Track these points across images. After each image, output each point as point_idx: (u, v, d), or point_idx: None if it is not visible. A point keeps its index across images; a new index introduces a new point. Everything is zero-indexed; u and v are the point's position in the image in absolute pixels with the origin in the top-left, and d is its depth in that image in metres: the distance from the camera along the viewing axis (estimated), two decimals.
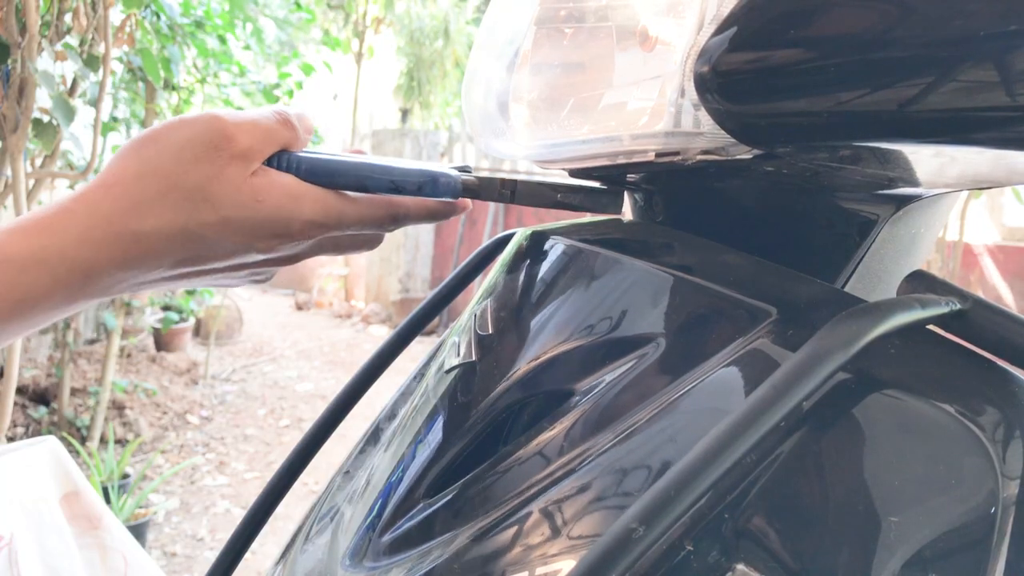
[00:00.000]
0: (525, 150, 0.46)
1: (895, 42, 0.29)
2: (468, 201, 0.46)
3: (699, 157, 0.37)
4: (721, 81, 0.33)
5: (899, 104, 0.29)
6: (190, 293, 4.17)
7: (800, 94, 0.31)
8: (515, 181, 0.45)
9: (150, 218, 0.38)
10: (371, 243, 0.47)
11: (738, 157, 0.36)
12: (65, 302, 0.39)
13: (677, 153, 0.38)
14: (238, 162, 0.39)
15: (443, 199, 0.44)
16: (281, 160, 0.41)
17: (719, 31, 0.32)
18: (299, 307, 6.99)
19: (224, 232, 0.39)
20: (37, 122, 2.03)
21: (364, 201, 0.43)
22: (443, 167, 0.44)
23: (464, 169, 0.45)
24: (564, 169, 0.48)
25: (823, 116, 0.31)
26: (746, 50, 0.32)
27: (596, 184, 0.46)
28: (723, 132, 0.34)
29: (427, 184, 0.43)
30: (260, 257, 0.42)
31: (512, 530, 0.35)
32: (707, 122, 0.35)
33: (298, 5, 3.61)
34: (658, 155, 0.39)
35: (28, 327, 0.39)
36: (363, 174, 0.42)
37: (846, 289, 0.43)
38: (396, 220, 0.44)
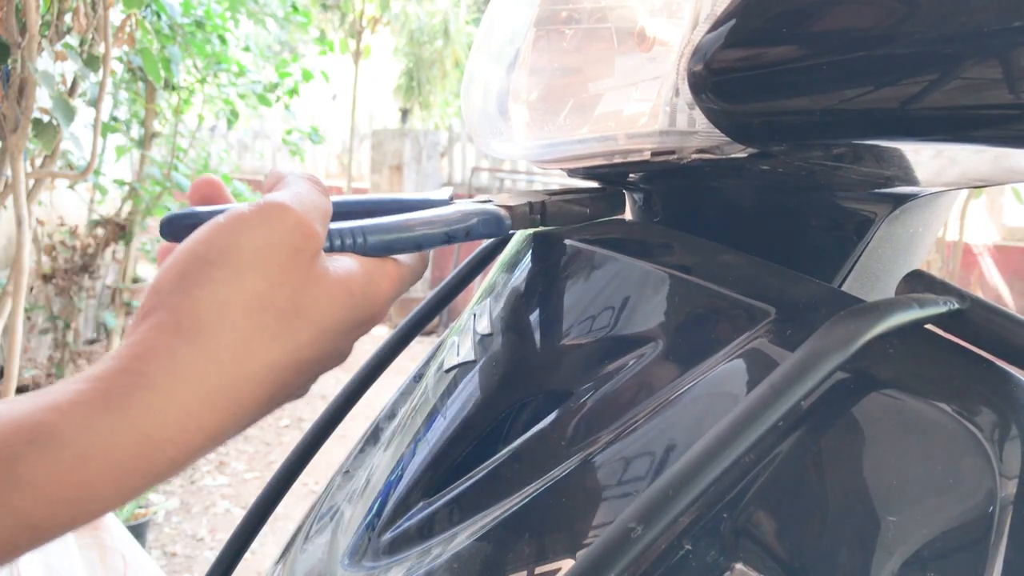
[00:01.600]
0: (523, 150, 0.46)
1: (891, 40, 0.29)
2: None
3: (694, 156, 0.37)
4: (715, 80, 0.33)
5: (900, 102, 0.29)
6: None
7: (795, 92, 0.31)
8: (543, 203, 0.44)
9: (244, 360, 0.30)
10: None
11: (733, 156, 0.36)
12: (142, 487, 0.29)
13: (672, 152, 0.38)
14: (319, 259, 0.33)
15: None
16: (343, 240, 0.36)
17: (713, 29, 0.32)
18: None
19: (326, 342, 0.33)
20: (37, 122, 2.03)
21: (419, 259, 0.40)
22: (480, 205, 0.42)
23: (486, 202, 0.43)
24: (562, 169, 0.48)
25: (818, 114, 0.31)
26: (740, 48, 0.32)
27: (591, 184, 0.46)
28: (718, 131, 0.35)
29: (474, 228, 0.41)
30: (346, 349, 0.36)
31: (511, 529, 0.35)
32: (702, 121, 0.35)
33: (295, 8, 3.61)
34: (654, 154, 0.39)
35: (83, 521, 0.29)
36: (420, 234, 0.39)
37: (843, 288, 0.43)
38: (425, 262, 0.41)
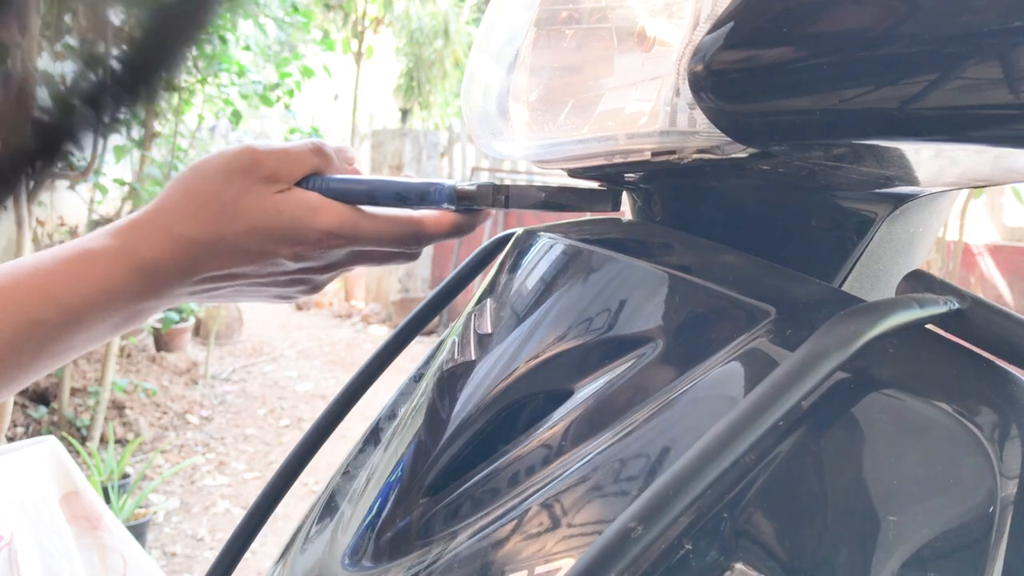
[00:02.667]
0: (524, 150, 0.46)
1: (892, 39, 0.29)
2: (492, 210, 0.50)
3: (695, 156, 0.37)
4: (715, 79, 0.33)
5: (900, 102, 0.29)
6: None
7: (795, 92, 0.31)
8: (507, 186, 0.48)
9: (195, 227, 0.46)
10: (401, 259, 0.52)
11: (733, 156, 0.36)
12: (135, 298, 0.46)
13: (673, 152, 0.38)
14: (265, 182, 0.46)
15: (468, 210, 0.49)
16: (311, 182, 0.48)
17: (713, 29, 0.32)
18: (299, 307, 6.99)
19: (252, 238, 0.46)
20: None
21: (382, 218, 0.48)
22: (440, 179, 0.49)
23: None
24: (563, 169, 0.48)
25: (819, 114, 0.31)
26: (740, 48, 0.32)
27: (587, 184, 0.46)
28: (718, 131, 0.34)
29: (429, 193, 0.48)
30: (291, 265, 0.48)
31: (511, 529, 0.35)
32: (702, 121, 0.35)
33: (295, 8, 3.61)
34: (654, 154, 0.39)
35: (104, 319, 0.45)
36: (371, 187, 0.48)
37: (843, 288, 0.43)
38: (419, 238, 0.49)
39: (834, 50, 0.30)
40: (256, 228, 0.46)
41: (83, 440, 3.09)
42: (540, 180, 5.85)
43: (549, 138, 0.44)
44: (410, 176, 0.50)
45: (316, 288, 0.52)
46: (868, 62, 0.29)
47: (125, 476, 2.76)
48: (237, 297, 0.52)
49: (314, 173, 0.48)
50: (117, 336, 0.47)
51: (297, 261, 0.47)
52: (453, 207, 0.49)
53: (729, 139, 0.35)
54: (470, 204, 0.48)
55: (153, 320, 4.41)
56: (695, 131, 0.36)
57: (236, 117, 3.35)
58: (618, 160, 0.41)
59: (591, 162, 0.43)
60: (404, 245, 0.49)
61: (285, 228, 0.46)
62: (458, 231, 0.50)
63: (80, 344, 0.46)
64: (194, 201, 0.46)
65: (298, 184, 0.47)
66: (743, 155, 0.36)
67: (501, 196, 0.48)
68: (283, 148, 0.47)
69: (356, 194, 0.48)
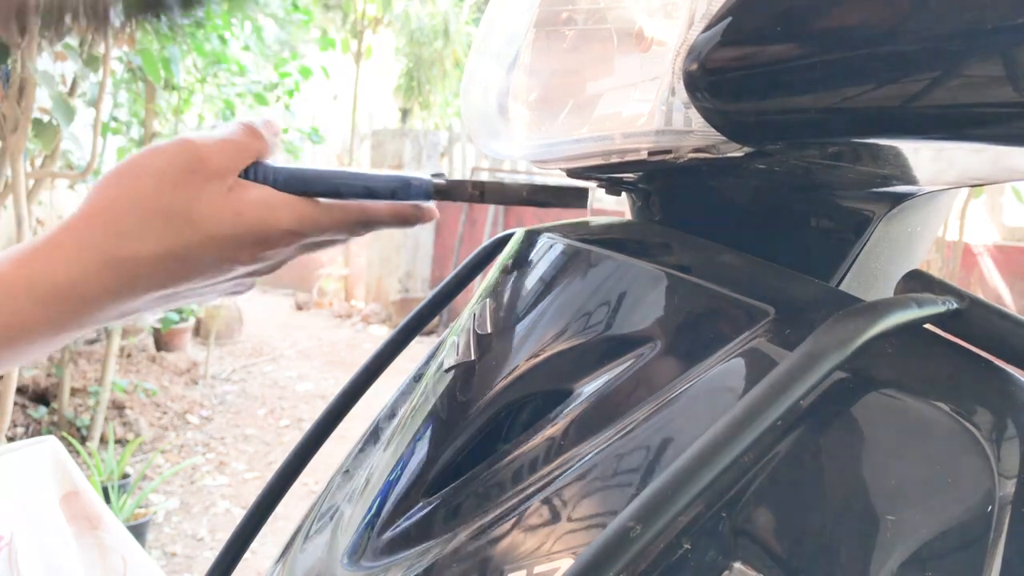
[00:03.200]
0: (523, 150, 0.46)
1: (891, 37, 0.29)
2: (436, 211, 0.48)
3: (691, 155, 0.38)
4: (709, 79, 0.33)
5: (896, 100, 0.29)
6: None
7: (789, 91, 0.31)
8: (483, 182, 0.47)
9: (136, 244, 0.40)
10: (340, 243, 0.49)
11: (729, 155, 0.37)
12: (54, 331, 0.40)
13: (669, 152, 0.38)
14: (215, 181, 0.41)
15: (414, 202, 0.46)
16: (257, 172, 0.43)
17: (708, 28, 0.32)
18: (299, 307, 6.99)
19: (209, 249, 0.41)
20: (37, 122, 2.03)
21: (337, 207, 0.44)
22: (415, 174, 0.47)
23: (438, 175, 0.48)
24: (561, 169, 0.48)
25: (813, 113, 0.31)
26: (734, 47, 0.32)
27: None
28: (714, 130, 0.35)
29: (400, 188, 0.45)
30: (244, 269, 0.44)
31: (510, 528, 0.35)
32: (698, 120, 0.35)
33: (295, 6, 3.61)
34: (650, 154, 0.39)
35: (17, 356, 0.40)
36: (338, 181, 0.44)
37: (842, 288, 0.43)
38: (367, 224, 0.46)
39: (828, 49, 0.30)
40: (214, 237, 0.41)
41: (83, 440, 3.09)
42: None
43: (547, 138, 0.44)
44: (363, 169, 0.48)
45: (253, 286, 0.49)
46: (863, 60, 0.29)
47: (125, 476, 2.76)
48: (168, 307, 0.47)
49: (256, 160, 0.44)
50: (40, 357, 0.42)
51: (254, 263, 0.43)
52: (427, 203, 0.47)
53: (725, 138, 0.35)
54: (445, 199, 0.47)
55: (153, 320, 4.41)
56: (691, 130, 0.36)
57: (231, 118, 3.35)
58: (615, 160, 0.41)
59: (589, 162, 0.43)
60: (351, 231, 0.46)
61: (246, 232, 0.41)
62: (406, 220, 0.47)
63: None
64: (131, 212, 0.40)
65: (244, 175, 0.43)
66: (739, 154, 0.36)
67: (477, 191, 0.46)
68: (224, 138, 0.42)
69: (318, 187, 0.44)
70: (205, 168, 0.41)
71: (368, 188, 0.45)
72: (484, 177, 6.04)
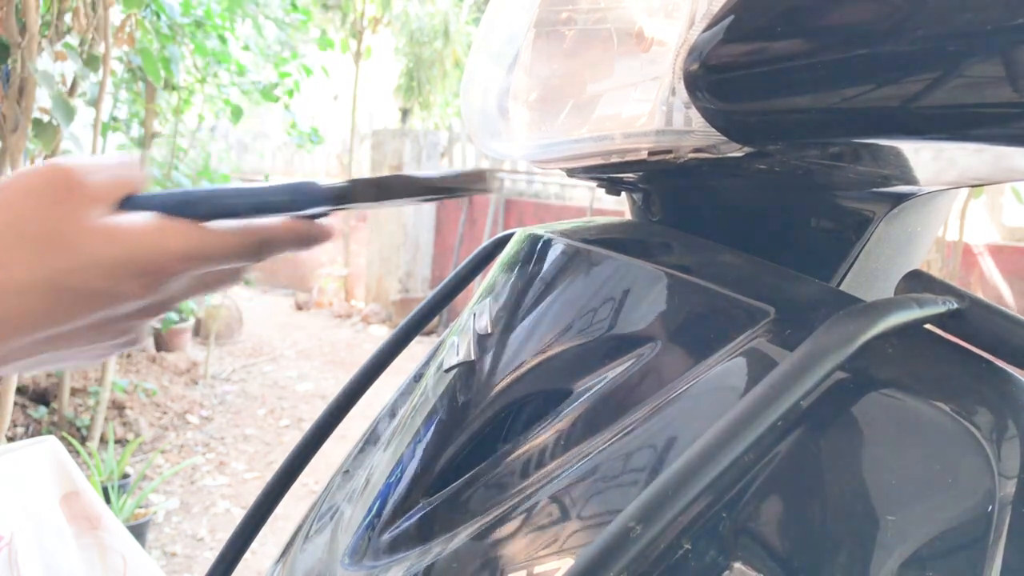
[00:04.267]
0: (523, 150, 0.46)
1: (886, 38, 0.29)
2: (333, 230, 0.43)
3: (691, 155, 0.37)
4: (710, 79, 0.33)
5: (896, 101, 0.29)
6: None
7: (790, 91, 0.31)
8: (386, 178, 0.43)
9: (7, 269, 0.35)
10: (239, 276, 0.43)
11: (729, 155, 0.37)
12: None
13: (669, 151, 0.38)
14: (91, 204, 0.37)
15: (309, 219, 0.42)
16: (136, 202, 0.40)
17: (708, 28, 0.32)
18: (299, 307, 6.99)
19: (90, 278, 0.36)
20: (37, 122, 2.03)
21: (228, 230, 0.40)
22: (304, 180, 0.43)
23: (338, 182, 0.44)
24: (561, 169, 0.48)
25: (813, 113, 0.31)
26: (735, 47, 0.32)
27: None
28: (714, 130, 0.35)
29: (294, 199, 0.41)
30: (129, 306, 0.38)
31: (511, 528, 0.35)
32: (698, 120, 0.35)
33: (294, 6, 3.61)
34: (651, 154, 0.39)
35: None
36: (226, 199, 0.41)
37: (842, 288, 0.43)
38: (265, 246, 0.41)
39: (829, 49, 0.30)
40: (96, 263, 0.36)
41: (83, 440, 3.09)
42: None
43: (548, 138, 0.44)
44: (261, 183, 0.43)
45: (141, 338, 0.42)
46: (863, 61, 0.29)
47: (125, 476, 2.76)
48: (44, 362, 0.40)
49: (130, 193, 0.39)
50: None
51: (141, 297, 0.38)
52: (329, 209, 0.42)
53: (725, 138, 0.35)
54: (347, 203, 0.42)
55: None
56: (691, 130, 0.36)
57: (236, 115, 3.35)
58: (615, 160, 0.41)
59: (589, 162, 0.43)
60: (252, 257, 0.41)
61: (130, 255, 0.37)
62: (307, 240, 0.42)
63: None
64: (2, 235, 0.35)
65: (122, 206, 0.39)
66: (739, 154, 0.36)
67: (372, 189, 0.42)
68: (96, 163, 0.38)
69: (203, 207, 0.40)
70: (83, 190, 0.37)
71: (259, 203, 0.41)
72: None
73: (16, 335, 0.36)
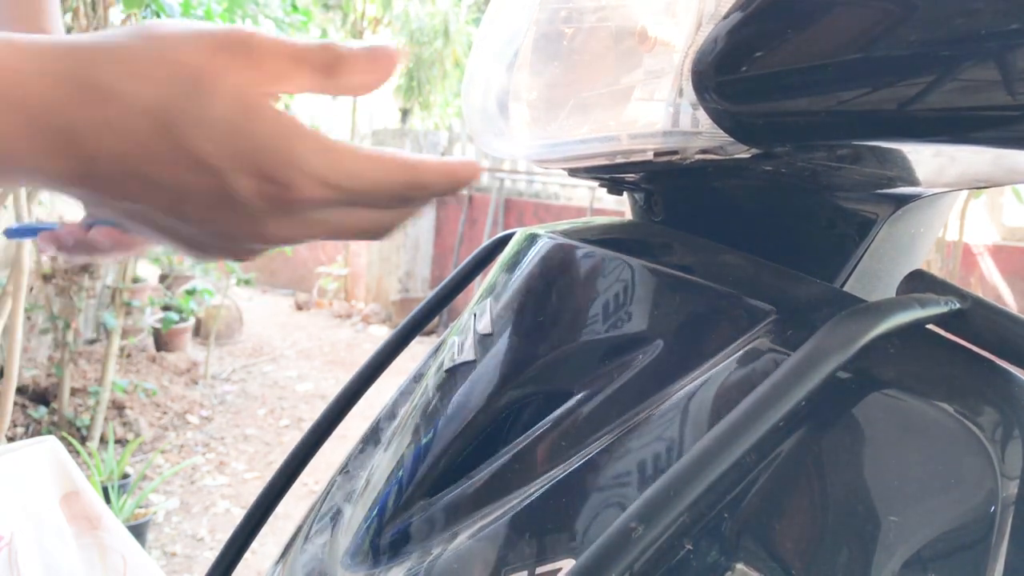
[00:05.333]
0: (525, 150, 0.46)
1: (895, 41, 0.29)
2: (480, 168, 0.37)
3: (697, 156, 0.37)
4: (719, 80, 0.33)
5: (899, 103, 0.29)
6: (190, 293, 4.17)
7: (798, 93, 0.31)
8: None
9: (130, 81, 0.30)
10: (377, 229, 0.36)
11: (737, 156, 0.36)
12: None
13: (676, 152, 0.38)
14: (251, 81, 0.31)
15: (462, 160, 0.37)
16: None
17: (717, 30, 0.32)
18: (299, 307, 6.99)
19: (205, 135, 0.30)
20: None
21: (381, 157, 0.33)
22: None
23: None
24: (563, 169, 0.48)
25: (821, 115, 0.31)
26: (744, 49, 0.32)
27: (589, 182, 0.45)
28: (721, 131, 0.34)
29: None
30: (244, 208, 0.32)
31: (512, 529, 0.35)
32: (705, 121, 0.35)
33: (295, 7, 3.61)
34: (657, 154, 0.39)
35: None
36: None
37: (845, 289, 0.43)
38: (421, 187, 0.34)
39: (838, 51, 0.30)
40: (220, 120, 0.30)
41: (83, 440, 3.09)
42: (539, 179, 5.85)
43: (550, 138, 0.44)
44: None
45: (255, 251, 0.36)
46: (872, 63, 0.29)
47: (125, 476, 2.76)
48: (138, 221, 0.34)
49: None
50: None
51: (257, 201, 0.31)
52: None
53: (732, 139, 0.35)
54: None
55: (153, 320, 4.42)
56: (698, 131, 0.36)
57: None
58: (620, 160, 0.41)
59: (593, 162, 0.43)
60: (401, 201, 0.35)
61: (254, 147, 0.30)
62: (457, 183, 0.35)
63: None
64: (141, 47, 0.30)
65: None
66: (746, 155, 0.36)
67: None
68: (286, 42, 0.32)
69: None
70: (253, 58, 0.31)
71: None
72: (483, 178, 6.04)
73: (106, 167, 0.30)
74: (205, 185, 0.31)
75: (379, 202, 0.34)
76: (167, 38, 0.31)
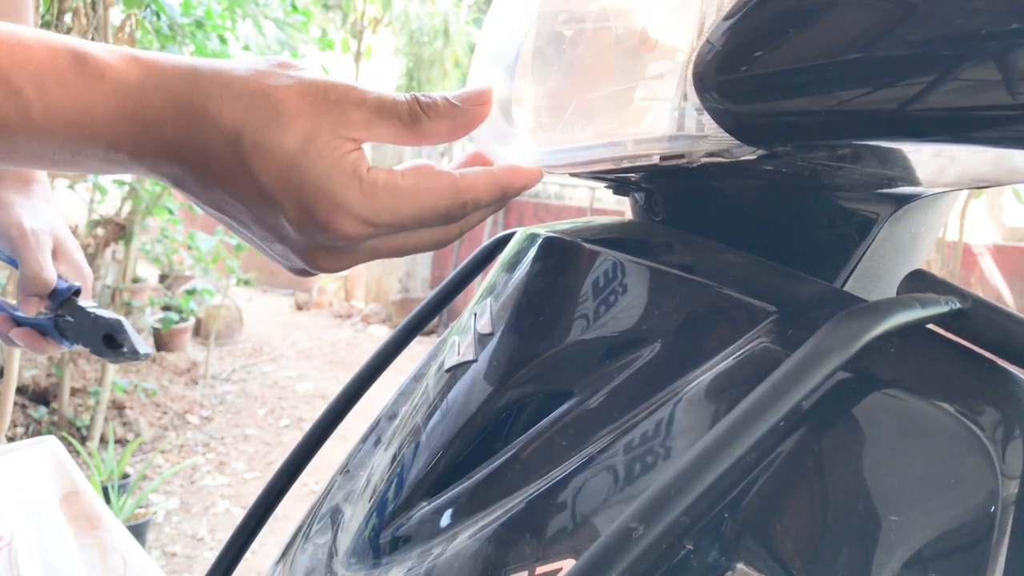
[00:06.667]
0: (530, 155, 0.46)
1: (896, 41, 0.29)
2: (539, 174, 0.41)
3: (703, 160, 0.37)
4: (720, 80, 0.33)
5: (899, 103, 0.29)
6: (190, 293, 4.17)
7: (799, 93, 0.31)
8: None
9: (222, 104, 0.34)
10: (434, 243, 0.40)
11: (742, 159, 0.36)
12: (105, 145, 0.34)
13: (682, 156, 0.38)
14: (340, 136, 0.35)
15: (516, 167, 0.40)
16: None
17: (718, 31, 0.32)
18: (299, 307, 6.98)
19: (269, 163, 0.34)
20: None
21: (425, 187, 0.36)
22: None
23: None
24: (568, 173, 0.48)
25: (821, 115, 0.31)
26: (746, 50, 0.32)
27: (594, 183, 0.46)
28: (726, 134, 0.34)
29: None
30: (288, 230, 0.36)
31: (512, 529, 0.35)
32: (710, 125, 0.35)
33: (294, 7, 3.60)
34: (662, 159, 0.39)
35: (49, 142, 0.34)
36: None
37: (845, 288, 0.43)
38: (464, 207, 0.38)
39: (840, 51, 0.30)
40: (293, 161, 0.34)
41: (83, 440, 3.09)
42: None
43: (555, 144, 0.44)
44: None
45: (300, 267, 0.40)
46: (873, 63, 0.29)
47: (125, 476, 2.75)
48: (232, 225, 0.39)
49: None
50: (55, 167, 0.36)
51: (299, 231, 0.36)
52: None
53: (738, 142, 0.35)
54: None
55: (153, 320, 4.42)
56: (704, 135, 0.36)
57: None
58: (626, 164, 0.41)
59: (598, 167, 0.43)
60: (448, 221, 0.38)
61: (299, 180, 0.34)
62: (510, 194, 0.39)
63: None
64: (246, 89, 0.34)
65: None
66: (752, 157, 0.36)
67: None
68: (373, 94, 0.36)
69: None
70: (341, 111, 0.35)
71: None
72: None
73: (180, 164, 0.35)
74: (264, 208, 0.35)
75: (428, 224, 0.37)
76: (271, 75, 0.35)
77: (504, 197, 0.39)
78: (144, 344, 0.70)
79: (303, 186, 0.34)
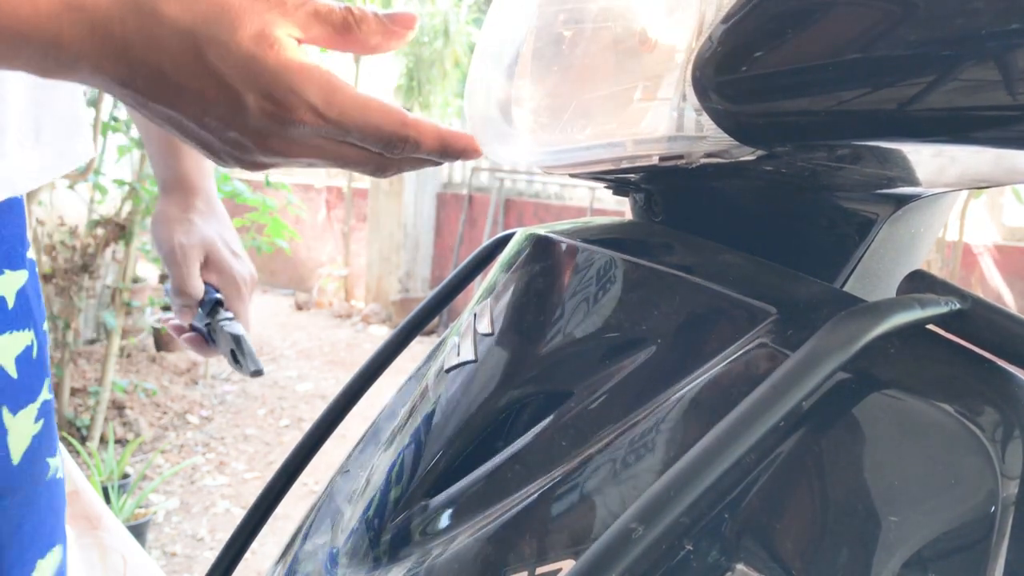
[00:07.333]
0: (530, 156, 0.46)
1: (896, 41, 0.29)
2: (479, 148, 0.44)
3: (703, 160, 0.37)
4: (719, 80, 0.33)
5: (899, 103, 0.29)
6: None
7: (798, 93, 0.31)
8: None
9: (176, 6, 0.36)
10: (370, 165, 0.42)
11: (742, 159, 0.36)
12: (44, 44, 0.35)
13: (681, 157, 0.38)
14: (278, 21, 0.37)
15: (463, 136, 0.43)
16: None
17: (717, 32, 0.32)
18: (299, 307, 6.98)
19: (226, 57, 0.36)
20: None
21: (375, 106, 0.39)
22: None
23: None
24: (567, 173, 0.48)
25: (821, 115, 0.31)
26: (745, 50, 0.32)
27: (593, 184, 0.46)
28: (726, 135, 0.34)
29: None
30: (245, 119, 0.38)
31: (512, 529, 0.35)
32: (710, 125, 0.35)
33: None
34: (662, 159, 0.39)
35: None
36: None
37: (845, 289, 0.43)
38: (404, 143, 0.40)
39: (837, 51, 0.30)
40: (235, 45, 0.36)
41: (83, 440, 3.09)
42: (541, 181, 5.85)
43: (555, 145, 0.44)
44: None
45: (257, 162, 0.42)
46: (872, 64, 0.29)
47: (125, 476, 2.75)
48: (161, 114, 0.39)
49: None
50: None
51: (260, 119, 0.38)
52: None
53: (737, 143, 0.35)
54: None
55: (153, 320, 4.41)
56: (703, 136, 0.36)
57: None
58: (625, 165, 0.41)
59: (598, 167, 0.43)
60: (386, 146, 0.40)
61: (264, 70, 0.37)
62: (449, 151, 0.42)
63: None
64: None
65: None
66: (751, 158, 0.36)
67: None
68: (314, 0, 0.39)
69: None
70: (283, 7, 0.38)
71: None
72: (483, 178, 6.04)
73: (135, 67, 0.36)
74: (222, 98, 0.37)
75: (367, 142, 0.40)
76: None
77: (443, 152, 0.42)
78: (257, 362, 0.72)
79: (262, 74, 0.37)
